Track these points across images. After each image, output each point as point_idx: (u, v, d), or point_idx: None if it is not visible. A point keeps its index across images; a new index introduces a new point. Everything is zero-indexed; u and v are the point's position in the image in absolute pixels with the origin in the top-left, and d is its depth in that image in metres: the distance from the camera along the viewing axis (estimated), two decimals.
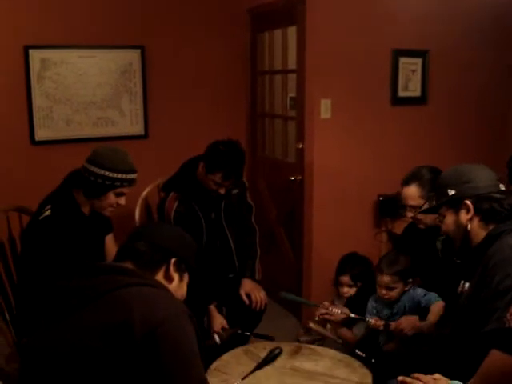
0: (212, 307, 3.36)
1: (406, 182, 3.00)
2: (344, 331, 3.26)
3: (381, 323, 3.00)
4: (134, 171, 2.82)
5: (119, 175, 2.75)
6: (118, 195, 2.82)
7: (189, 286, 3.25)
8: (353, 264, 3.45)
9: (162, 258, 1.94)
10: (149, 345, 1.62)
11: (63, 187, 2.91)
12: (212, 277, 3.41)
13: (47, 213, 2.78)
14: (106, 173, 2.73)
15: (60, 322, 1.72)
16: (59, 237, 2.72)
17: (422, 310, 3.00)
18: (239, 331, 3.27)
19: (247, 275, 3.56)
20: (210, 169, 3.27)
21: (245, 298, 3.46)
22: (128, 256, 1.93)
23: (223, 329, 3.29)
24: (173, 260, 1.95)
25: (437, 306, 2.95)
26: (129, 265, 1.90)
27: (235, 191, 3.52)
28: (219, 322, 3.32)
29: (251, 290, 3.49)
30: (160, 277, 1.93)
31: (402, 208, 3.15)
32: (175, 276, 1.97)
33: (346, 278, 3.40)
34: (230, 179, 3.30)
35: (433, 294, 3.02)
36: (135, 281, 1.77)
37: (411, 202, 2.96)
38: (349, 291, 3.38)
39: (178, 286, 1.99)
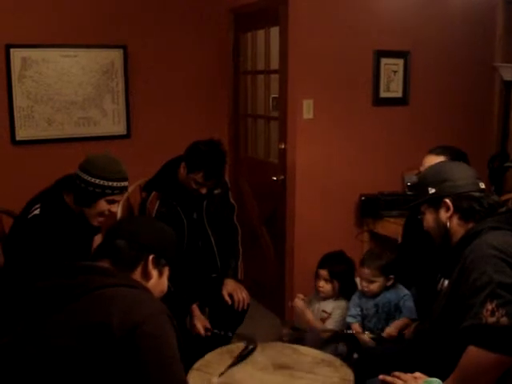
0: (194, 307, 3.35)
1: (436, 152, 2.97)
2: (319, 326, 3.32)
3: (369, 337, 3.07)
4: (124, 179, 2.81)
5: (109, 183, 2.74)
6: (110, 202, 2.81)
7: (171, 286, 3.27)
8: (335, 261, 3.46)
9: (139, 255, 1.92)
10: (128, 346, 1.61)
11: (53, 188, 2.90)
12: (194, 277, 3.41)
13: (36, 212, 2.78)
14: (97, 181, 2.72)
15: (38, 323, 1.70)
16: (48, 235, 2.71)
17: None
18: (222, 333, 3.27)
19: (229, 275, 3.55)
20: (191, 168, 3.27)
21: (227, 298, 3.46)
22: (105, 254, 1.91)
23: (206, 329, 3.29)
24: (151, 257, 1.93)
25: (401, 321, 3.04)
26: (106, 263, 1.88)
27: (217, 191, 3.51)
28: (201, 321, 3.32)
29: (234, 290, 3.49)
30: (138, 274, 1.91)
31: (410, 190, 3.10)
32: (154, 273, 1.95)
33: (324, 272, 3.39)
34: (212, 179, 3.30)
35: (408, 307, 3.08)
36: (113, 281, 1.76)
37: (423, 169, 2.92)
38: (324, 286, 3.37)
39: (158, 282, 1.97)
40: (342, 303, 3.37)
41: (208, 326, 3.31)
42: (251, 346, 2.80)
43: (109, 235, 1.98)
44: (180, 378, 1.72)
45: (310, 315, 3.34)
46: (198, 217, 3.46)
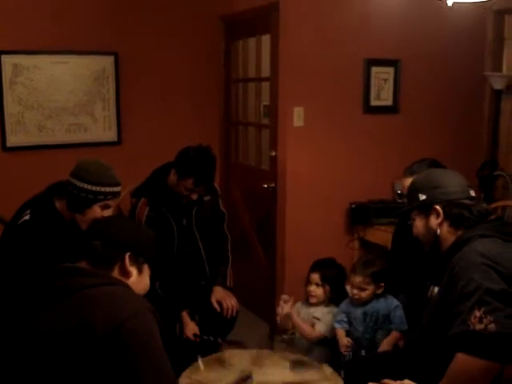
0: (184, 313, 3.35)
1: (409, 173, 3.00)
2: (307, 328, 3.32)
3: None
4: (117, 184, 2.81)
5: (102, 188, 2.73)
6: (104, 208, 2.81)
7: (161, 292, 3.27)
8: (327, 265, 3.46)
9: (115, 254, 1.92)
10: (114, 344, 1.61)
11: (44, 194, 2.90)
12: (183, 283, 3.41)
13: (26, 217, 2.77)
14: (89, 186, 2.72)
15: (23, 328, 1.70)
16: (37, 241, 2.70)
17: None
18: (211, 338, 3.26)
19: (219, 282, 3.55)
20: (181, 175, 3.27)
21: (216, 305, 3.46)
22: (82, 255, 1.91)
23: (195, 335, 3.28)
24: (127, 255, 1.93)
25: (393, 336, 3.07)
26: (84, 264, 1.88)
27: (207, 198, 3.51)
28: (191, 328, 3.32)
29: (222, 298, 3.48)
30: (116, 273, 1.91)
31: (402, 198, 3.12)
32: (133, 270, 1.95)
33: (315, 276, 3.38)
34: (202, 185, 3.30)
35: (399, 318, 3.09)
36: (94, 281, 1.76)
37: None
38: (315, 290, 3.36)
39: (138, 280, 1.97)
40: (333, 309, 3.36)
41: (197, 332, 3.31)
42: (246, 375, 2.75)
43: (84, 237, 1.97)
44: (167, 371, 1.72)
45: (297, 318, 3.33)
46: (187, 223, 3.46)
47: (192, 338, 3.28)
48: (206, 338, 3.28)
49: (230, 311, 3.46)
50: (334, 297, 3.39)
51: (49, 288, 1.74)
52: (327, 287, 3.38)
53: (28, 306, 1.73)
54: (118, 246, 1.93)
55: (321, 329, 3.30)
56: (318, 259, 3.53)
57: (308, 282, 3.42)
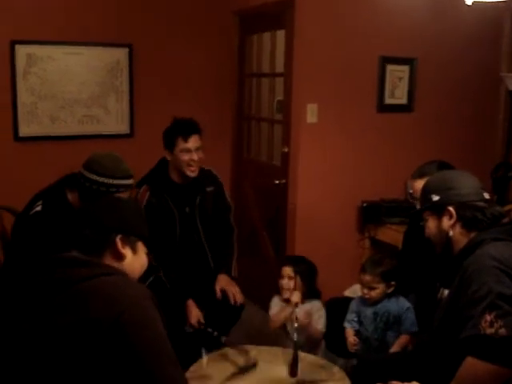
0: (190, 301, 3.36)
1: (419, 175, 2.98)
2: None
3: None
4: (129, 176, 2.81)
5: (114, 181, 2.74)
6: None
7: (167, 282, 3.27)
8: (298, 260, 3.44)
9: (105, 239, 1.87)
10: (115, 335, 1.60)
11: (56, 186, 2.90)
12: (187, 272, 3.43)
13: (38, 208, 2.79)
14: (101, 179, 2.72)
15: (20, 320, 1.68)
16: (49, 232, 2.71)
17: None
18: (215, 333, 3.26)
19: (223, 271, 3.56)
20: (170, 143, 3.40)
21: (219, 293, 3.46)
22: (72, 245, 1.87)
23: (199, 323, 3.29)
24: (118, 237, 1.88)
25: (403, 339, 3.04)
26: (75, 253, 1.84)
27: (210, 188, 3.56)
28: (196, 314, 3.32)
29: (226, 285, 3.49)
30: (109, 258, 1.87)
31: (413, 200, 3.11)
32: (126, 251, 1.90)
33: (288, 269, 3.34)
34: (191, 135, 3.37)
35: (410, 320, 3.07)
36: (93, 272, 1.73)
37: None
38: (288, 283, 3.33)
39: (134, 260, 1.93)
40: (315, 303, 3.34)
41: (202, 320, 3.32)
42: (252, 362, 2.75)
43: (72, 225, 1.93)
44: (171, 356, 1.70)
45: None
46: (190, 211, 3.48)
47: (196, 325, 3.29)
48: (209, 330, 3.28)
49: (233, 298, 3.46)
50: (306, 292, 3.32)
51: (48, 280, 1.72)
52: (299, 280, 3.31)
53: (28, 299, 1.71)
54: (107, 231, 1.88)
55: (320, 326, 3.29)
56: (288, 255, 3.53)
57: (280, 276, 3.38)
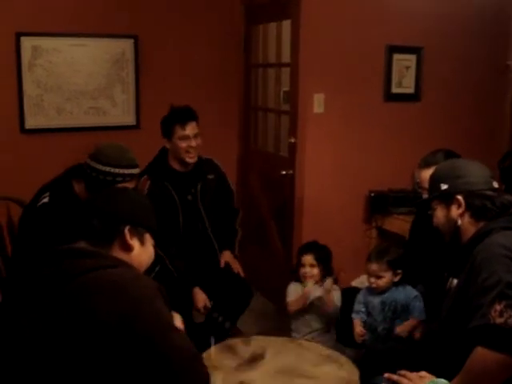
0: (196, 288, 3.40)
1: (425, 164, 2.96)
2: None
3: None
4: (134, 166, 2.82)
5: (120, 170, 2.75)
6: None
7: (174, 271, 3.28)
8: (316, 247, 3.50)
9: (114, 230, 1.87)
10: (121, 326, 1.59)
11: (63, 177, 2.91)
12: (193, 260, 3.48)
13: (45, 200, 2.80)
14: (107, 168, 2.73)
15: (25, 313, 1.68)
16: (56, 224, 2.71)
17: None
18: (220, 319, 3.28)
19: (226, 248, 3.67)
20: (168, 131, 3.47)
21: (223, 264, 3.60)
22: (80, 235, 1.86)
23: (205, 308, 3.31)
24: (126, 228, 1.88)
25: (411, 321, 3.04)
26: (83, 244, 1.83)
27: (211, 176, 3.62)
28: (202, 299, 3.37)
29: (231, 260, 3.63)
30: (117, 249, 1.86)
31: (420, 189, 3.10)
32: (134, 243, 1.89)
33: (309, 257, 3.41)
34: (188, 121, 3.44)
35: (418, 308, 3.06)
36: (98, 263, 1.72)
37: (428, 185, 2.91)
38: (312, 271, 3.39)
39: (142, 251, 1.93)
40: (328, 280, 3.43)
41: (208, 304, 3.38)
42: (259, 353, 2.76)
43: (80, 216, 1.92)
44: (184, 346, 1.71)
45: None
46: (192, 199, 3.53)
47: (202, 310, 3.34)
48: (215, 315, 3.29)
49: (237, 271, 3.62)
50: (325, 274, 3.43)
51: (54, 272, 1.71)
52: (321, 266, 3.42)
53: (35, 291, 1.70)
54: (116, 221, 1.88)
55: (336, 300, 3.38)
56: (304, 243, 3.63)
57: (301, 265, 3.43)
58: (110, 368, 1.59)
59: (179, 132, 3.42)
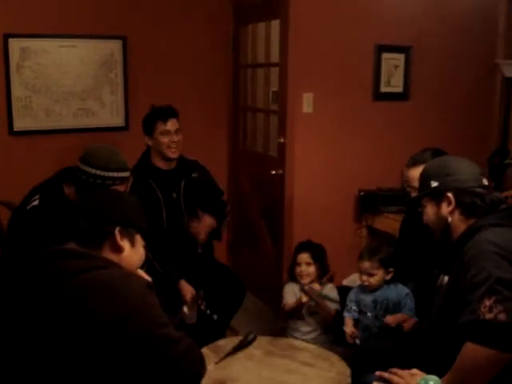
0: (182, 281, 3.42)
1: (413, 163, 2.97)
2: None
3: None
4: (124, 169, 2.81)
5: (110, 173, 2.74)
6: None
7: (159, 267, 3.29)
8: (311, 246, 3.51)
9: (104, 231, 1.86)
10: (115, 327, 1.60)
11: (53, 179, 2.90)
12: (177, 255, 3.48)
13: (35, 203, 2.79)
14: (98, 172, 2.73)
15: (18, 315, 1.68)
16: (46, 226, 2.70)
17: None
18: (208, 311, 3.29)
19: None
20: (149, 128, 3.52)
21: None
22: (70, 237, 1.86)
23: (193, 299, 3.34)
24: (117, 229, 1.87)
25: (400, 315, 3.06)
26: (73, 246, 1.83)
27: (195, 174, 3.65)
28: (189, 290, 3.38)
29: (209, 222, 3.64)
30: (107, 250, 1.86)
31: (408, 188, 3.11)
32: (125, 244, 1.89)
33: (305, 255, 3.42)
34: (169, 118, 3.51)
35: (409, 306, 3.08)
36: (88, 265, 1.72)
37: (416, 184, 2.92)
38: (307, 270, 3.39)
39: (132, 252, 1.92)
40: (328, 284, 3.44)
41: (195, 295, 3.39)
42: (251, 336, 2.81)
43: (70, 217, 1.92)
44: (179, 338, 1.73)
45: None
46: (177, 197, 3.56)
47: (191, 301, 3.36)
48: (203, 308, 3.30)
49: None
50: (322, 273, 3.44)
51: (44, 273, 1.70)
52: (317, 265, 3.42)
53: (25, 293, 1.70)
54: (106, 223, 1.88)
55: (334, 297, 3.38)
56: (299, 242, 3.61)
57: (296, 263, 3.43)
58: (108, 365, 1.61)
59: (161, 127, 3.49)
